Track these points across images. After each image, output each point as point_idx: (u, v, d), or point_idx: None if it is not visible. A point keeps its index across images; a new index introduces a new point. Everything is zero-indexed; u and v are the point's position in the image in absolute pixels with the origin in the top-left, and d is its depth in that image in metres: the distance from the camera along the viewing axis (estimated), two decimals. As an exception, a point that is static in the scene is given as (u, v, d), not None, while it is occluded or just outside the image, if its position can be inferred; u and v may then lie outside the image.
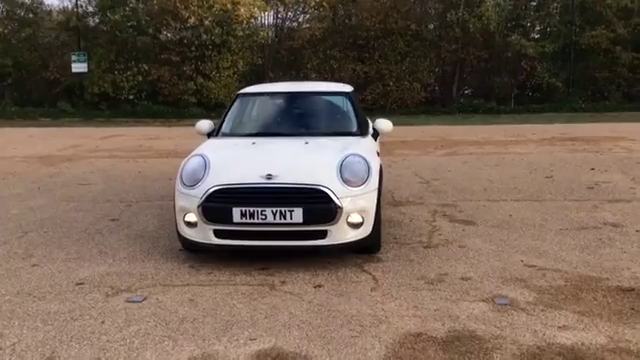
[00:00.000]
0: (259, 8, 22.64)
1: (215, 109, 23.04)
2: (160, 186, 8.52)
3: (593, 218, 6.28)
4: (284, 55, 23.89)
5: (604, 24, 22.43)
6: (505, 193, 7.68)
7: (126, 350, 3.41)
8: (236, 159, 5.02)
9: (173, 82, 23.06)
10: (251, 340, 3.52)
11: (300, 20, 24.55)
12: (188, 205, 4.78)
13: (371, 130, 5.92)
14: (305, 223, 4.55)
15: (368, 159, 4.93)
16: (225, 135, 5.73)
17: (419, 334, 3.54)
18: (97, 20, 23.79)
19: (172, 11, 22.34)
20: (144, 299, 4.17)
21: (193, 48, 22.44)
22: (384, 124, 5.88)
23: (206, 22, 21.87)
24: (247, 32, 23.11)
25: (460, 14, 22.01)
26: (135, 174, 9.68)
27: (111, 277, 4.64)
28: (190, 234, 4.82)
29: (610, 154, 11.11)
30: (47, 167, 10.50)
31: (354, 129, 5.76)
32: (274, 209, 4.53)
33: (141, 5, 22.85)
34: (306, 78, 23.45)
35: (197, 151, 5.20)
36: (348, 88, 6.40)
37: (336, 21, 23.56)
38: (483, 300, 4.05)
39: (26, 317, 3.90)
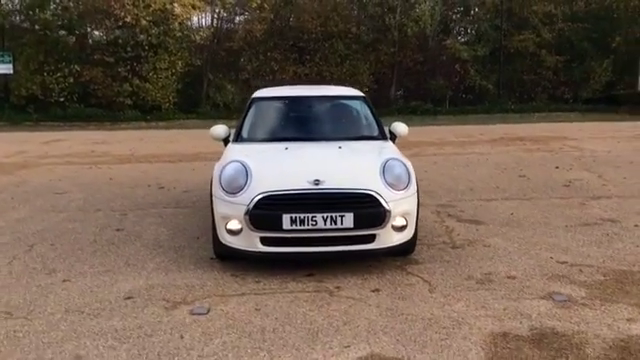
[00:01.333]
0: (197, 8, 22.22)
1: (152, 111, 22.46)
2: (143, 193, 8.24)
3: (588, 215, 6.66)
4: (223, 56, 23.57)
5: (530, 29, 23.71)
6: (492, 192, 7.99)
7: (223, 365, 3.32)
8: (276, 165, 4.94)
9: (107, 84, 22.27)
10: (345, 347, 3.51)
11: (238, 21, 24.31)
12: (231, 212, 4.68)
13: (388, 133, 6.00)
14: (355, 228, 4.56)
15: (406, 163, 5.02)
16: (248, 140, 5.63)
17: (505, 334, 3.66)
18: (22, 18, 22.52)
19: (106, 10, 21.53)
20: (208, 311, 4.05)
21: (129, 48, 21.76)
22: (401, 127, 5.98)
23: (143, 22, 21.24)
24: (185, 32, 22.63)
25: (398, 18, 22.55)
26: (106, 181, 9.30)
27: (157, 290, 4.46)
28: (233, 242, 4.71)
29: (563, 153, 11.78)
30: (5, 176, 9.87)
31: (376, 133, 5.82)
32: (325, 215, 4.52)
33: (72, 3, 21.86)
34: (246, 80, 23.31)
35: (230, 157, 5.08)
36: (360, 92, 6.45)
37: (276, 23, 23.50)
38: (542, 297, 4.23)
39: (94, 336, 3.69)
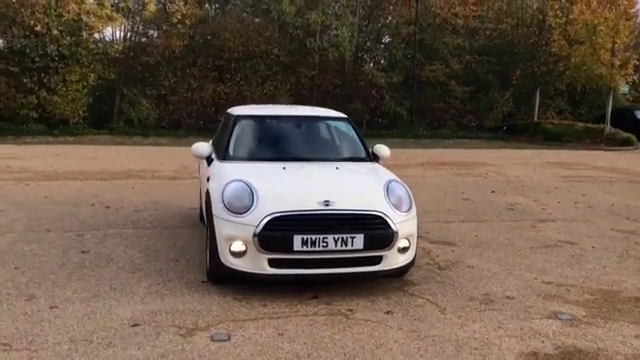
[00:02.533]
0: (113, 19, 21.38)
1: (59, 125, 21.21)
2: (90, 213, 7.73)
3: (544, 237, 7.03)
4: (139, 71, 22.77)
5: (441, 60, 24.89)
6: (446, 215, 8.24)
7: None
8: (282, 185, 4.81)
9: (10, 95, 20.81)
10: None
11: (155, 35, 23.61)
12: (236, 233, 4.50)
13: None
14: (365, 249, 4.55)
15: (405, 185, 5.08)
16: (237, 159, 5.44)
17: (535, 353, 3.77)
18: None
19: (12, 17, 20.20)
20: (229, 337, 3.86)
21: (37, 58, 20.47)
22: (383, 149, 6.03)
23: (54, 31, 20.11)
24: (99, 44, 21.67)
25: (318, 42, 22.90)
26: (42, 199, 8.63)
27: (162, 315, 4.19)
28: (237, 264, 4.53)
29: (491, 178, 12.40)
30: None
31: (363, 154, 5.85)
32: (336, 236, 4.46)
33: (-26, 8, 20.33)
34: (163, 96, 22.67)
35: (230, 176, 4.88)
36: (343, 114, 6.46)
37: (196, 39, 23.08)
38: (548, 317, 4.39)
39: (118, 367, 3.40)
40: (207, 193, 5.08)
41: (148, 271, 5.25)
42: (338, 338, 3.91)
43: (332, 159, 5.60)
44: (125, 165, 12.91)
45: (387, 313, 4.39)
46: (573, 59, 23.30)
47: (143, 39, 23.26)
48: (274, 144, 5.72)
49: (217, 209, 4.67)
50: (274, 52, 22.46)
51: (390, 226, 4.62)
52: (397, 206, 4.80)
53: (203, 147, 5.69)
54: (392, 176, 5.21)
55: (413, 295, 4.81)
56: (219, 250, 4.60)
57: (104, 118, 22.20)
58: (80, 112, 21.45)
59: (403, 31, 24.67)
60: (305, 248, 4.43)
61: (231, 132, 5.68)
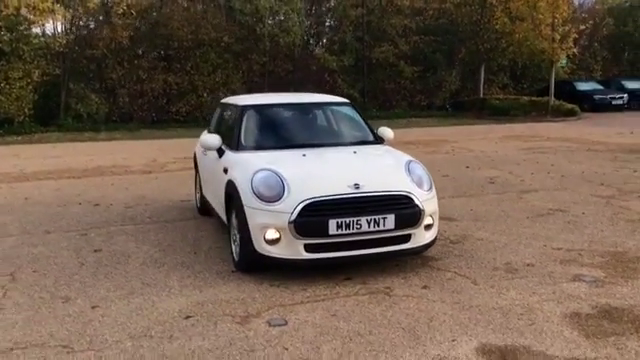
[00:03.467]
0: (54, 12, 20.56)
1: (3, 125, 20.35)
2: (82, 212, 7.56)
3: (534, 207, 7.35)
4: (85, 64, 22.04)
5: (389, 41, 25.21)
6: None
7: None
8: (308, 171, 4.86)
9: (-52, 94, 19.80)
10: (453, 341, 3.61)
11: (96, 26, 22.83)
12: (271, 221, 4.55)
13: (375, 138, 6.15)
14: (395, 229, 4.68)
15: (422, 165, 5.24)
16: (252, 149, 5.44)
17: (576, 314, 4.00)
18: None
19: (-54, 12, 19.16)
20: (286, 322, 3.92)
21: (-24, 56, 19.53)
22: (387, 132, 6.17)
23: (-7, 27, 19.21)
24: (41, 39, 20.83)
25: (268, 28, 22.76)
26: (23, 201, 8.36)
27: (209, 306, 4.20)
28: (273, 251, 4.58)
29: (460, 154, 12.77)
30: None
31: (371, 137, 5.96)
32: (369, 217, 4.58)
33: None
34: (112, 89, 22.07)
35: (255, 165, 4.89)
36: (345, 99, 6.52)
37: (142, 29, 22.49)
38: (573, 280, 4.65)
39: (191, 356, 3.42)
40: (229, 184, 5.07)
41: (172, 265, 5.22)
42: (390, 314, 4.04)
43: (345, 143, 5.70)
44: (91, 162, 12.58)
45: (424, 288, 4.55)
46: (517, 35, 24.04)
47: (88, 32, 22.45)
48: (286, 132, 5.75)
49: (247, 199, 4.68)
50: (224, 40, 22.16)
51: (417, 205, 4.77)
52: (419, 185, 4.96)
53: (214, 138, 5.64)
54: (408, 157, 5.36)
55: (440, 269, 4.98)
56: (252, 238, 4.63)
57: (51, 115, 21.40)
58: (26, 110, 20.61)
59: (351, 14, 24.82)
60: (340, 231, 4.52)
61: (240, 122, 5.66)
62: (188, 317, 4.03)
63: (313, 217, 4.51)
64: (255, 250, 4.64)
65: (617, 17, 31.72)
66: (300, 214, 4.48)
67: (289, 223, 4.48)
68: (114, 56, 21.90)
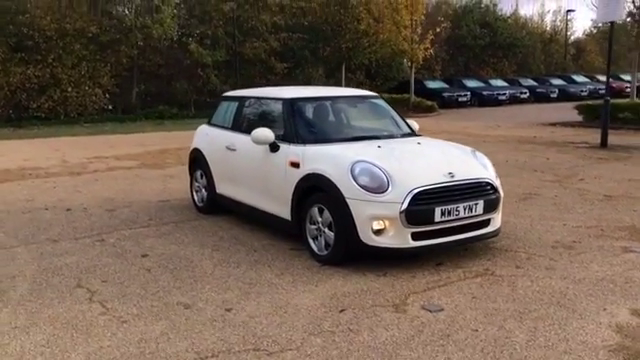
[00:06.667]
0: None
1: None
2: (63, 218, 6.83)
3: (508, 191, 7.98)
4: None
5: (261, 37, 25.25)
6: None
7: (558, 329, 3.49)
8: (398, 162, 4.90)
9: None
10: (604, 310, 3.96)
11: None
12: (379, 212, 4.57)
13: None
14: (483, 214, 4.96)
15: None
16: (314, 142, 5.27)
17: (665, 279, 4.60)
18: None
19: None
20: (442, 308, 4.00)
21: None
22: (414, 124, 6.36)
23: None
24: None
25: (140, 19, 21.59)
26: (23, 204, 7.25)
27: (349, 298, 4.14)
28: (381, 241, 4.60)
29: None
30: None
31: (408, 129, 6.13)
32: (465, 204, 4.80)
33: None
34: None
35: (347, 158, 4.81)
36: (375, 93, 6.61)
37: (-4, 17, 20.05)
38: (626, 252, 5.27)
39: (382, 345, 3.38)
40: (308, 178, 4.96)
41: (248, 264, 4.97)
42: (520, 292, 4.29)
43: (397, 135, 5.82)
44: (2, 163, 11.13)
45: (518, 268, 4.86)
46: (381, 35, 25.44)
47: None
48: (342, 125, 5.72)
49: (349, 191, 4.64)
50: (91, 30, 20.57)
51: (498, 190, 5.09)
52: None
53: (267, 133, 5.39)
54: (465, 146, 5.64)
55: (509, 251, 5.32)
56: (358, 230, 4.61)
57: None
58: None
59: (224, 8, 24.41)
60: (443, 218, 4.69)
61: (292, 115, 5.48)
62: (343, 310, 3.93)
63: (422, 206, 4.61)
64: (361, 241, 4.62)
65: (453, 21, 34.93)
66: (410, 203, 4.56)
67: (400, 213, 4.54)
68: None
